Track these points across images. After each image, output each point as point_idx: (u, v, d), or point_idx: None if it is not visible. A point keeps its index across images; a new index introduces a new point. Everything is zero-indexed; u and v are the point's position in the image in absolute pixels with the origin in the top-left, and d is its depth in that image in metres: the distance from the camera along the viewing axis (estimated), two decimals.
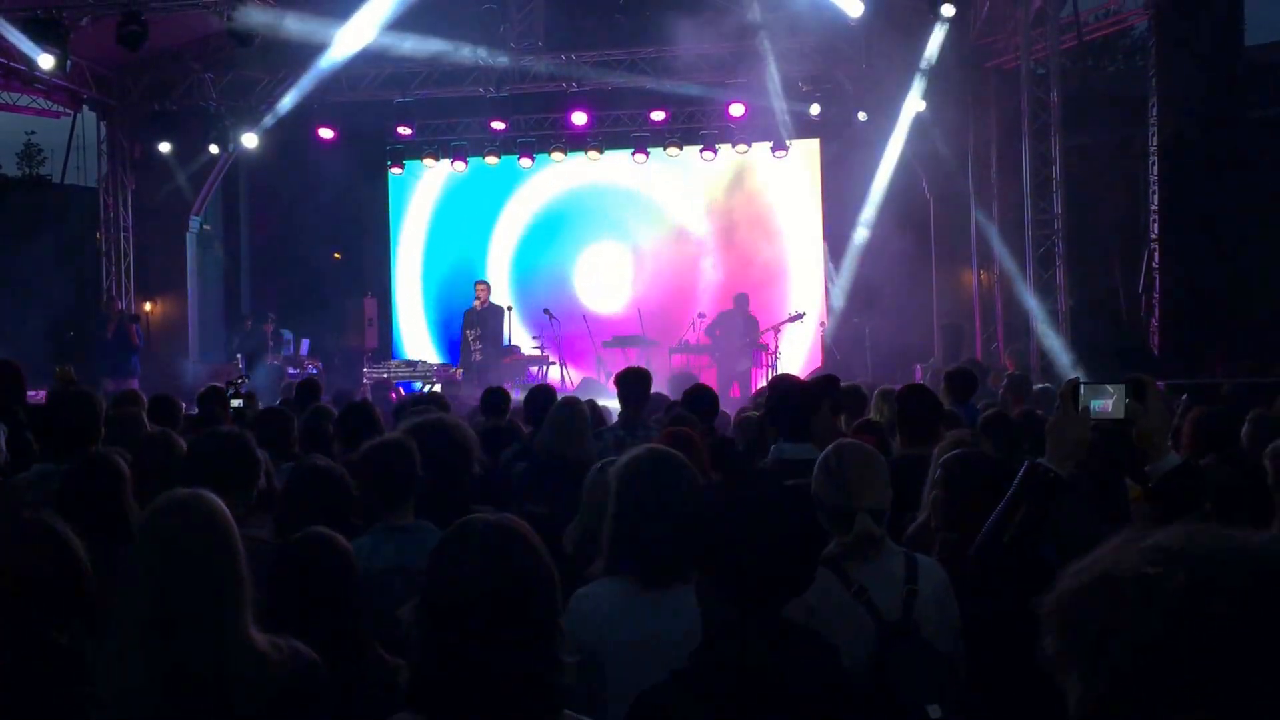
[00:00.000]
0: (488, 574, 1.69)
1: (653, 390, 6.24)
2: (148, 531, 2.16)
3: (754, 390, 11.01)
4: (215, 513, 2.16)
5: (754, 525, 1.96)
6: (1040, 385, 8.11)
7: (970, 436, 3.92)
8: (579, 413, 4.65)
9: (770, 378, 8.85)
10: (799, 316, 13.88)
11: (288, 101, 13.97)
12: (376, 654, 2.47)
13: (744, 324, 13.75)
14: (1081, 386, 2.32)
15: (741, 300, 14.00)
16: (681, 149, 15.63)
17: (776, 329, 13.74)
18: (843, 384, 6.17)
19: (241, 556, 2.14)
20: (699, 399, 5.51)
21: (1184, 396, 4.95)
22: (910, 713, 2.39)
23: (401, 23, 12.47)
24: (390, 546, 2.94)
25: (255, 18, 11.72)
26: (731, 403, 10.14)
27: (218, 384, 7.15)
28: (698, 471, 2.69)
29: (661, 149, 15.59)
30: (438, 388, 11.97)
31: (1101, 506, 2.70)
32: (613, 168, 16.04)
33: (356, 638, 2.45)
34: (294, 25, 12.01)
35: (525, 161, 15.96)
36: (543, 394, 6.15)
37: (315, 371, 13.42)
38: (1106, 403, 2.26)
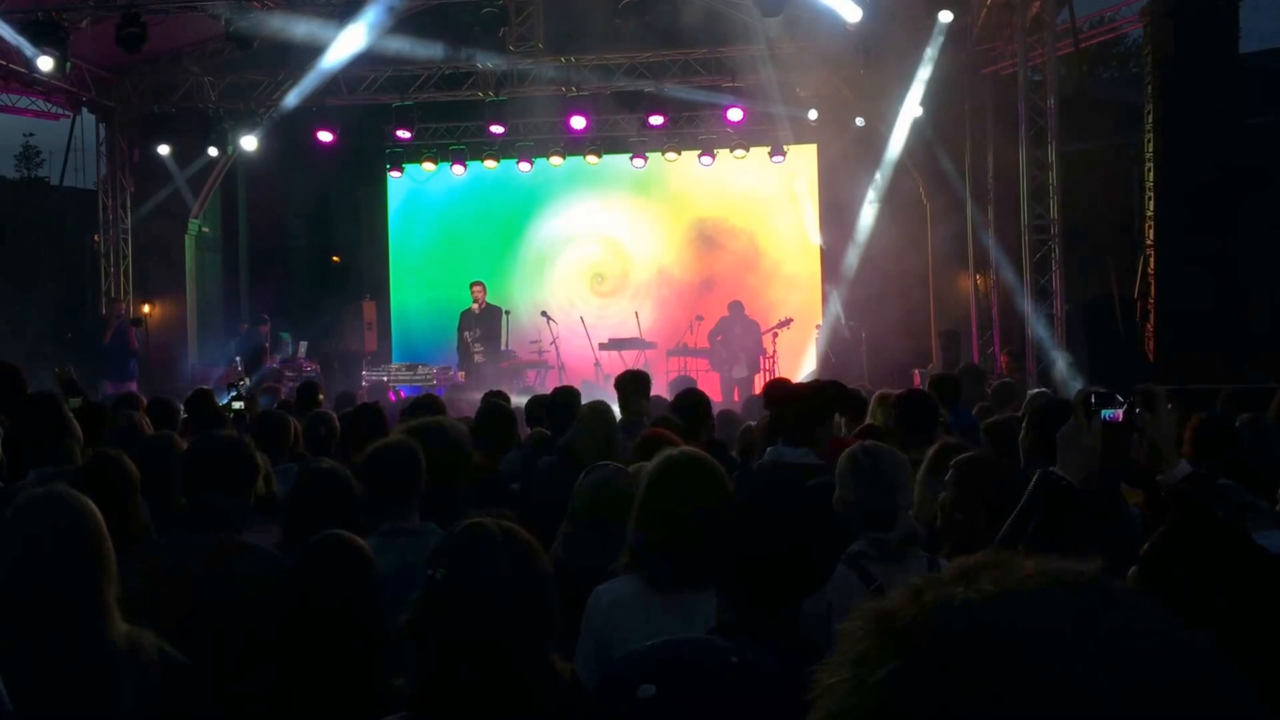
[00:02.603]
0: (512, 575, 1.71)
1: (652, 393, 6.24)
2: (10, 531, 2.17)
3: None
4: (79, 511, 2.18)
5: (748, 528, 1.96)
6: (1035, 390, 8.11)
7: (957, 442, 3.92)
8: (610, 418, 4.65)
9: (765, 385, 8.86)
10: (787, 322, 14.02)
11: (287, 104, 13.98)
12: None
13: (743, 329, 13.83)
14: (1092, 396, 2.33)
15: (736, 307, 14.09)
16: (680, 154, 15.67)
17: (769, 333, 13.84)
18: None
19: (109, 551, 2.16)
20: (686, 404, 5.46)
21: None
22: None
23: (401, 26, 12.49)
24: (396, 549, 2.94)
25: (255, 21, 11.73)
26: (734, 407, 10.17)
27: (204, 387, 7.13)
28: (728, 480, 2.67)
29: (660, 153, 15.63)
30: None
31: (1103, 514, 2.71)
32: (611, 172, 16.06)
33: (370, 648, 2.40)
34: (293, 28, 12.02)
35: (524, 165, 15.98)
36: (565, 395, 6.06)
37: (312, 373, 13.40)
38: (1118, 412, 2.27)
